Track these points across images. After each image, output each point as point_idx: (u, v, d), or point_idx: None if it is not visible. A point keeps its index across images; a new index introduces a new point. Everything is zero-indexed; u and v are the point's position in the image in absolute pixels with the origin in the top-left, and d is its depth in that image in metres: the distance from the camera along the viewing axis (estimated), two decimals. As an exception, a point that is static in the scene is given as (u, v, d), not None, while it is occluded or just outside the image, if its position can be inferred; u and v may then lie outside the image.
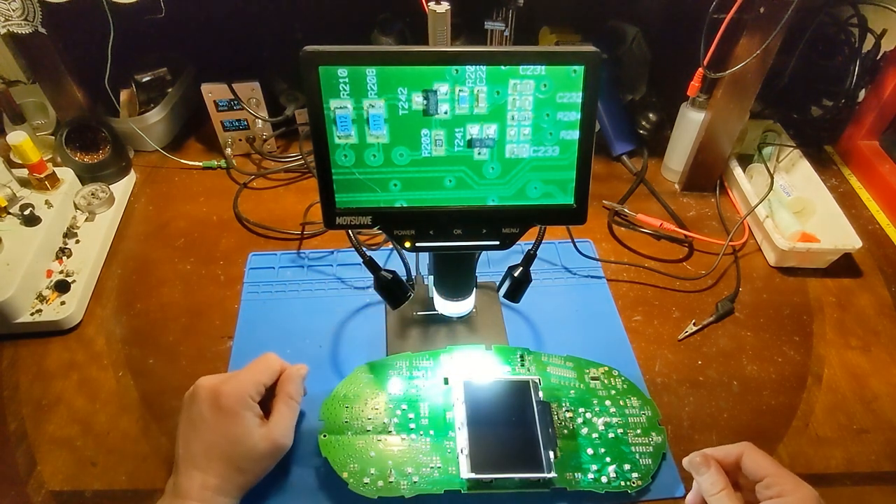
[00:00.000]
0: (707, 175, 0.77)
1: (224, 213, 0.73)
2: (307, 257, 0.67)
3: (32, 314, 0.57)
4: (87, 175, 0.71)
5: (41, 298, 0.59)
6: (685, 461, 0.43)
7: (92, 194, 0.70)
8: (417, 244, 0.41)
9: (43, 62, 0.71)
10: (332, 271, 0.66)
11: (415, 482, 0.46)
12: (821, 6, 0.77)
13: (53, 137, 0.73)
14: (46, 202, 0.65)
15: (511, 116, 0.37)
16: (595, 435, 0.49)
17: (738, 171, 0.76)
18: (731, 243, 0.69)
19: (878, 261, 0.70)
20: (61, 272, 0.62)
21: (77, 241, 0.65)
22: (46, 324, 0.57)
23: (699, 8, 0.63)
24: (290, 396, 0.47)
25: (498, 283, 0.50)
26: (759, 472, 0.40)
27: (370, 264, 0.48)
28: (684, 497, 0.48)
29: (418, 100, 0.36)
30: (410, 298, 0.50)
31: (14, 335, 0.58)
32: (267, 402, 0.47)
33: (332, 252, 0.68)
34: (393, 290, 0.48)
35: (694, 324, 0.61)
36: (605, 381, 0.53)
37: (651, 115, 0.87)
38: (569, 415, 0.51)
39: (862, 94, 0.83)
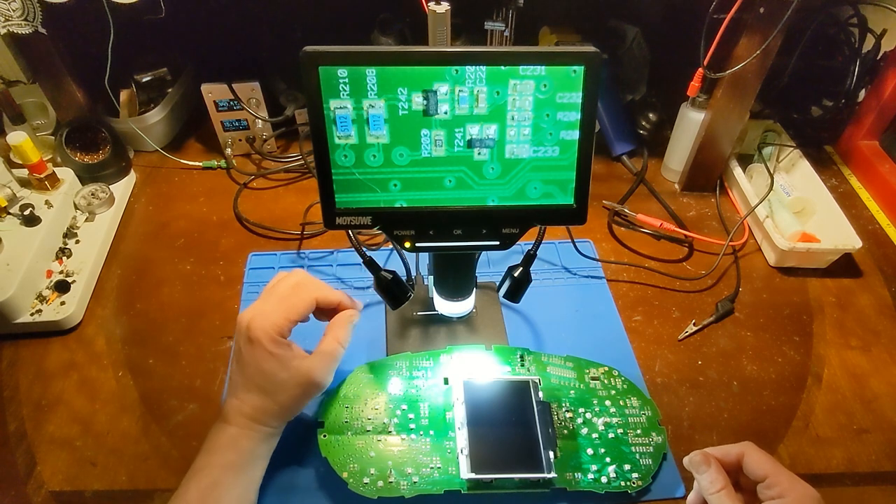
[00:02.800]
0: (707, 175, 0.77)
1: (224, 213, 0.73)
2: (307, 257, 0.67)
3: (32, 314, 0.57)
4: (87, 175, 0.71)
5: (41, 298, 0.59)
6: (685, 460, 0.43)
7: (92, 194, 0.70)
8: (417, 244, 0.41)
9: (43, 62, 0.71)
10: (332, 271, 0.66)
11: (415, 482, 0.46)
12: (821, 6, 0.77)
13: (53, 137, 0.73)
14: (46, 202, 0.65)
15: (511, 116, 0.37)
16: (595, 435, 0.49)
17: (738, 171, 0.76)
18: (731, 243, 0.69)
19: (878, 261, 0.70)
20: (61, 272, 0.62)
21: (77, 242, 0.65)
22: (46, 324, 0.57)
23: (699, 8, 0.63)
24: (338, 341, 0.47)
25: (498, 283, 0.50)
26: (760, 471, 0.40)
27: (370, 264, 0.48)
28: (685, 497, 0.48)
29: (418, 100, 0.36)
30: (410, 298, 0.50)
31: (14, 335, 0.58)
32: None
33: (332, 252, 0.68)
34: (393, 290, 0.48)
35: (694, 324, 0.61)
36: (605, 381, 0.53)
37: (651, 115, 0.87)
38: (569, 415, 0.51)
39: (862, 94, 0.83)
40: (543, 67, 0.35)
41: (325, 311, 0.49)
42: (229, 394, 0.45)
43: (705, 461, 0.41)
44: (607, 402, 0.51)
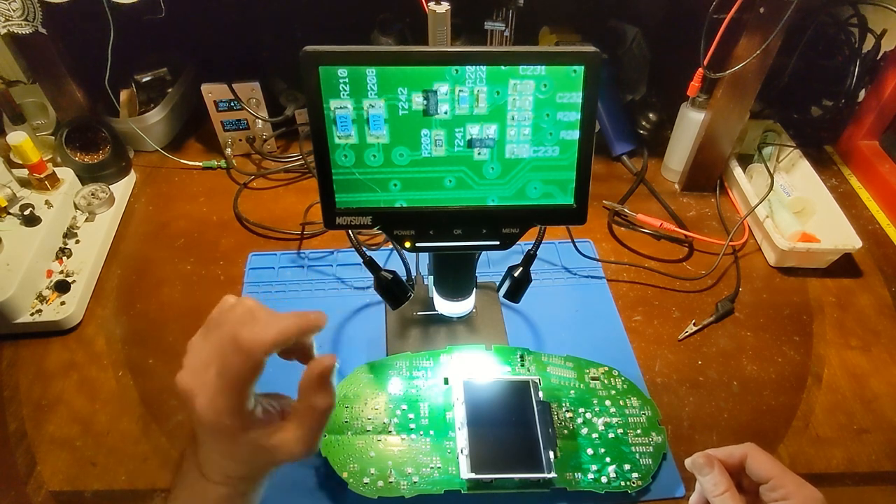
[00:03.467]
0: (707, 175, 0.77)
1: (224, 213, 0.73)
2: (307, 257, 0.67)
3: (32, 314, 0.57)
4: (87, 175, 0.71)
5: (41, 298, 0.59)
6: (688, 461, 0.43)
7: (92, 194, 0.70)
8: (417, 244, 0.41)
9: (43, 62, 0.71)
10: (332, 271, 0.66)
11: (415, 482, 0.46)
12: (821, 6, 0.77)
13: (53, 137, 0.73)
14: (46, 202, 0.65)
15: (511, 116, 0.37)
16: (595, 435, 0.49)
17: (738, 171, 0.76)
18: (731, 243, 0.69)
19: (878, 261, 0.70)
20: (61, 272, 0.62)
21: (77, 241, 0.65)
22: (46, 324, 0.57)
23: (699, 8, 0.63)
24: (318, 407, 0.35)
25: (498, 283, 0.50)
26: (764, 473, 0.40)
27: (370, 264, 0.48)
28: (685, 497, 0.48)
29: (418, 100, 0.36)
30: (410, 298, 0.50)
31: (14, 335, 0.58)
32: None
33: (332, 252, 0.68)
34: (393, 290, 0.48)
35: (694, 324, 0.61)
36: (605, 381, 0.53)
37: (651, 115, 0.87)
38: (569, 415, 0.51)
39: (862, 94, 0.83)
40: (543, 67, 0.35)
41: (290, 350, 0.37)
42: (201, 446, 0.35)
43: (708, 463, 0.41)
44: (607, 402, 0.51)
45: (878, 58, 0.79)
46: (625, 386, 0.53)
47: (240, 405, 0.33)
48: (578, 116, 0.37)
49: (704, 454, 0.42)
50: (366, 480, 0.45)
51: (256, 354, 0.32)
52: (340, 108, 0.36)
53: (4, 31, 0.63)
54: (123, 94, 0.80)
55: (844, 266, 0.68)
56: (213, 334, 0.35)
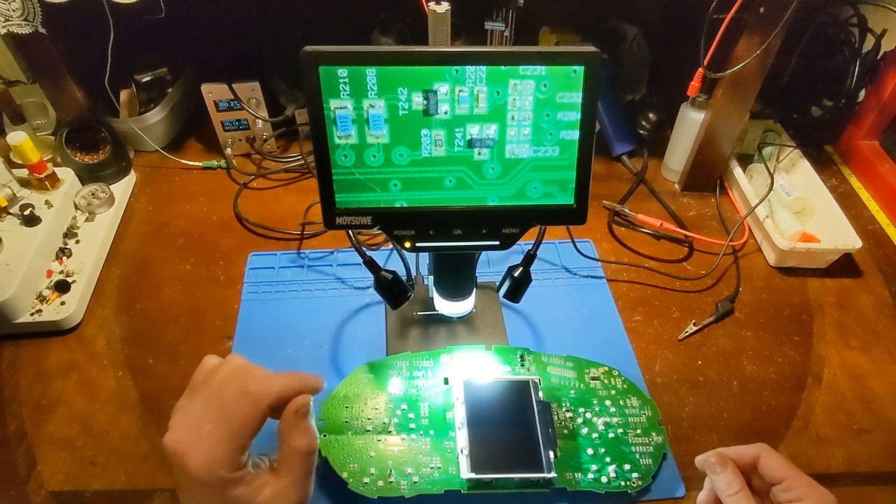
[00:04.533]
0: (707, 175, 0.77)
1: (224, 213, 0.73)
2: (307, 257, 0.67)
3: (32, 314, 0.57)
4: (87, 175, 0.71)
5: (41, 298, 0.59)
6: (699, 459, 0.42)
7: (92, 194, 0.70)
8: (417, 244, 0.41)
9: (43, 62, 0.71)
10: (332, 271, 0.66)
11: (415, 482, 0.46)
12: (821, 6, 0.77)
13: (53, 137, 0.73)
14: (46, 202, 0.65)
15: (511, 116, 0.37)
16: (595, 435, 0.49)
17: (738, 171, 0.76)
18: (731, 243, 0.69)
19: (878, 261, 0.70)
20: (61, 272, 0.62)
21: (77, 241, 0.65)
22: (46, 324, 0.57)
23: (699, 8, 0.63)
24: (301, 451, 0.35)
25: (498, 283, 0.50)
26: (777, 474, 0.39)
27: (370, 264, 0.48)
28: (685, 497, 0.48)
29: (418, 100, 0.36)
30: (410, 298, 0.50)
31: (14, 335, 0.58)
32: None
33: (332, 252, 0.68)
34: (393, 290, 0.48)
35: (694, 324, 0.61)
36: (605, 381, 0.53)
37: (651, 115, 0.87)
38: (569, 415, 0.51)
39: (862, 94, 0.83)
40: (543, 67, 0.35)
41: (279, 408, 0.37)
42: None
43: (721, 462, 0.41)
44: (607, 402, 0.51)
45: (878, 58, 0.79)
46: (625, 386, 0.53)
47: (238, 456, 0.33)
48: (578, 116, 0.37)
49: (717, 453, 0.41)
50: (366, 480, 0.45)
51: (263, 402, 0.34)
52: (340, 108, 0.36)
53: (4, 31, 0.63)
54: (123, 94, 0.80)
55: (844, 266, 0.68)
56: (205, 392, 0.35)
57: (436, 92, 0.36)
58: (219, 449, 0.33)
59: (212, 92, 0.75)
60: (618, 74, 0.86)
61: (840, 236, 0.66)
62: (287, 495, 0.34)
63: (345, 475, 0.45)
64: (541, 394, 0.50)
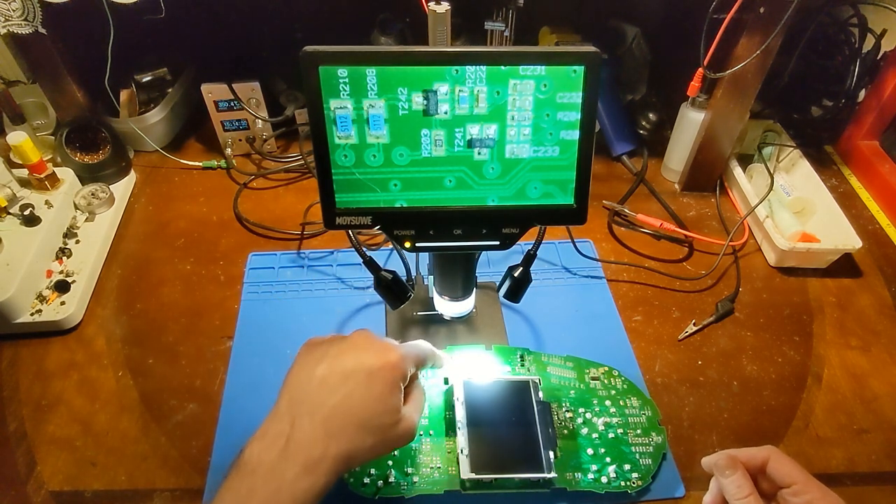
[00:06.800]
0: (707, 175, 0.77)
1: (224, 213, 0.73)
2: (307, 257, 0.67)
3: (32, 314, 0.57)
4: (87, 175, 0.71)
5: (41, 298, 0.59)
6: (707, 461, 0.42)
7: (92, 194, 0.70)
8: (417, 244, 0.41)
9: (43, 62, 0.71)
10: (332, 271, 0.66)
11: (415, 482, 0.46)
12: (821, 6, 0.77)
13: (53, 137, 0.73)
14: (46, 202, 0.65)
15: (511, 116, 0.37)
16: (595, 435, 0.49)
17: (738, 171, 0.76)
18: (731, 243, 0.69)
19: (878, 261, 0.70)
20: (61, 272, 0.62)
21: (77, 241, 0.65)
22: (46, 324, 0.57)
23: (699, 8, 0.63)
24: (423, 392, 0.44)
25: (498, 283, 0.50)
26: (787, 478, 0.39)
27: (370, 264, 0.48)
28: (685, 497, 0.48)
29: (418, 100, 0.36)
30: (410, 298, 0.50)
31: (14, 335, 0.58)
32: None
33: (332, 252, 0.68)
34: (393, 290, 0.48)
35: (694, 324, 0.61)
36: (605, 381, 0.53)
37: (651, 115, 0.87)
38: (569, 415, 0.51)
39: (862, 94, 0.83)
40: (543, 67, 0.35)
41: None
42: (304, 429, 0.36)
43: (732, 465, 0.40)
44: (607, 402, 0.51)
45: (878, 58, 0.79)
46: (625, 386, 0.53)
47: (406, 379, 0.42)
48: (578, 116, 0.37)
49: (727, 455, 0.41)
50: (366, 480, 0.45)
51: (424, 347, 0.44)
52: (340, 108, 0.36)
53: (4, 31, 0.63)
54: (123, 94, 0.80)
55: (844, 266, 0.68)
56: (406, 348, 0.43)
57: (436, 92, 0.36)
58: (408, 360, 0.41)
59: (212, 92, 0.75)
60: (618, 74, 0.86)
61: (840, 236, 0.66)
62: (415, 421, 0.41)
63: (345, 475, 0.45)
64: (541, 394, 0.50)
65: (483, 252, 0.59)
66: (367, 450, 0.38)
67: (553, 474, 0.45)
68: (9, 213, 0.63)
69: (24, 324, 0.57)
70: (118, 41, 0.70)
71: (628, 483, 0.47)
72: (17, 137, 0.63)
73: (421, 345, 0.44)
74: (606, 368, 0.54)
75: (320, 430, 0.36)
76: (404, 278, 0.50)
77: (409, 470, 0.46)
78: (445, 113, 0.36)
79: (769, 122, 0.81)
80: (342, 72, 0.35)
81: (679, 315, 0.63)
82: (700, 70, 0.67)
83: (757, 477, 0.41)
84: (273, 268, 0.66)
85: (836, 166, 0.85)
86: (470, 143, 0.38)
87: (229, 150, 0.79)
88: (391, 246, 0.67)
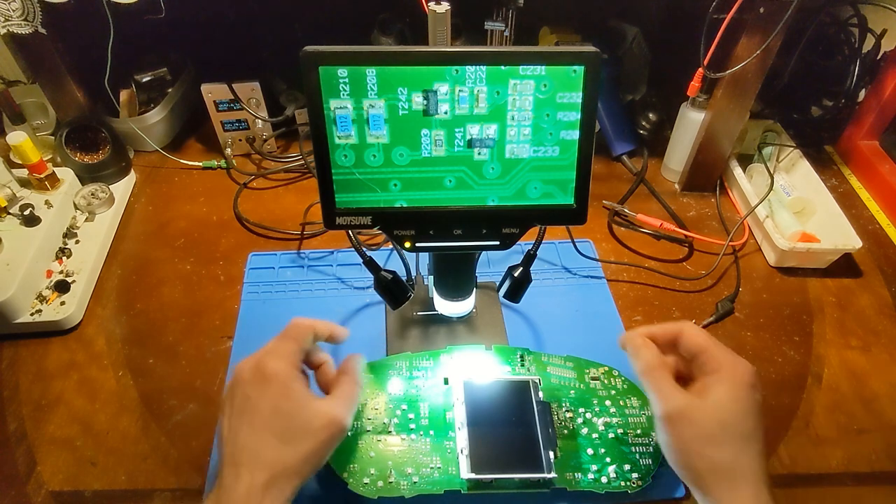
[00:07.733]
0: (707, 175, 0.77)
1: (224, 213, 0.73)
2: (307, 257, 0.67)
3: (32, 314, 0.57)
4: (87, 175, 0.71)
5: (41, 298, 0.59)
6: (620, 339, 0.42)
7: (92, 194, 0.70)
8: (417, 244, 0.41)
9: (43, 62, 0.71)
10: (332, 271, 0.66)
11: (415, 482, 0.46)
12: (821, 6, 0.77)
13: (53, 137, 0.73)
14: (46, 202, 0.65)
15: (511, 116, 0.37)
16: (595, 435, 0.49)
17: (738, 171, 0.76)
18: (731, 243, 0.69)
19: (878, 261, 0.70)
20: (61, 272, 0.62)
21: (77, 242, 0.65)
22: (46, 324, 0.57)
23: (699, 8, 0.63)
24: (355, 382, 0.43)
25: (498, 283, 0.50)
26: (695, 347, 0.40)
27: (370, 264, 0.48)
28: (685, 497, 0.48)
29: (418, 100, 0.36)
30: (410, 298, 0.50)
31: (14, 335, 0.58)
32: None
33: (332, 252, 0.68)
34: (393, 290, 0.48)
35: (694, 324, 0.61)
36: (605, 381, 0.53)
37: (651, 115, 0.87)
38: (569, 415, 0.50)
39: (862, 94, 0.83)
40: (543, 67, 0.35)
41: (310, 363, 0.45)
42: (228, 468, 0.37)
43: (636, 341, 0.41)
44: (607, 402, 0.51)
45: (878, 58, 0.79)
46: (625, 386, 0.53)
47: (299, 361, 0.43)
48: (578, 116, 0.37)
49: (637, 333, 0.41)
50: (366, 480, 0.45)
51: (305, 322, 0.45)
52: (340, 108, 0.36)
53: (4, 31, 0.63)
54: (123, 94, 0.80)
55: (844, 266, 0.68)
56: (279, 339, 0.44)
57: (436, 92, 0.36)
58: (283, 349, 0.41)
59: (212, 92, 0.75)
60: (618, 74, 0.86)
61: (840, 236, 0.66)
62: (338, 409, 0.40)
63: (345, 475, 0.45)
64: (541, 394, 0.50)
65: (483, 252, 0.59)
66: (297, 453, 0.38)
67: (553, 474, 0.45)
68: (9, 213, 0.63)
69: (24, 324, 0.57)
70: (118, 41, 0.70)
71: (628, 483, 0.47)
72: (17, 137, 0.63)
73: (296, 326, 0.43)
74: (606, 368, 0.54)
75: (234, 469, 0.37)
76: (404, 278, 0.50)
77: (409, 470, 0.46)
78: (445, 113, 0.36)
79: (769, 122, 0.81)
80: (342, 72, 0.35)
81: (679, 315, 0.63)
82: (700, 70, 0.67)
83: (675, 352, 0.42)
84: (273, 268, 0.66)
85: (836, 166, 0.85)
86: (470, 143, 0.38)
87: (229, 150, 0.79)
88: (391, 246, 0.67)
